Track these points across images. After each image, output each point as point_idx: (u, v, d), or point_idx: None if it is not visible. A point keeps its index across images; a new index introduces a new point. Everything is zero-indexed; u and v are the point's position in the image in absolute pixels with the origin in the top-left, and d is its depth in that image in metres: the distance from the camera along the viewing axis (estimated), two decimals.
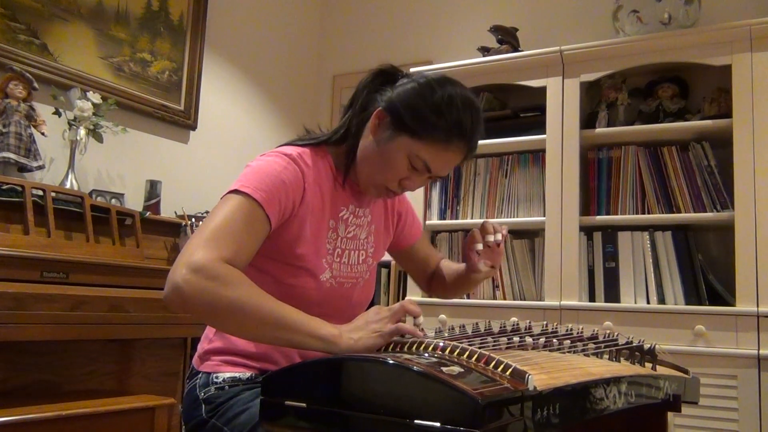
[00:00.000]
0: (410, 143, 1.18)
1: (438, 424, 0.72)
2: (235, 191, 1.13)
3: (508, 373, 0.82)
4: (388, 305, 1.67)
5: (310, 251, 1.23)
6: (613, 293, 2.50)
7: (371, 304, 1.55)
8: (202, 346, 1.31)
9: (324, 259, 1.26)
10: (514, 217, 2.75)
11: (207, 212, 2.80)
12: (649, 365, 1.20)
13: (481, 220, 2.77)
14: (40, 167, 2.30)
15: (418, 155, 1.19)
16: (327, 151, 1.29)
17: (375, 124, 1.22)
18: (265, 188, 1.13)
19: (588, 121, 2.70)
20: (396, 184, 1.24)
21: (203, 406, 1.22)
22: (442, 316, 2.71)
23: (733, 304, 2.26)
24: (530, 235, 2.80)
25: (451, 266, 1.58)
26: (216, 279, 1.00)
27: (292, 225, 1.20)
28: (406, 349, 0.97)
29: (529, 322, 1.28)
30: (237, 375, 1.23)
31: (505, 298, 2.72)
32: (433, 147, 1.18)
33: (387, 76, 1.28)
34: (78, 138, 2.40)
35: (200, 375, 1.26)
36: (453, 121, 1.17)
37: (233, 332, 1.14)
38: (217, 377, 1.23)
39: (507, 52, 2.85)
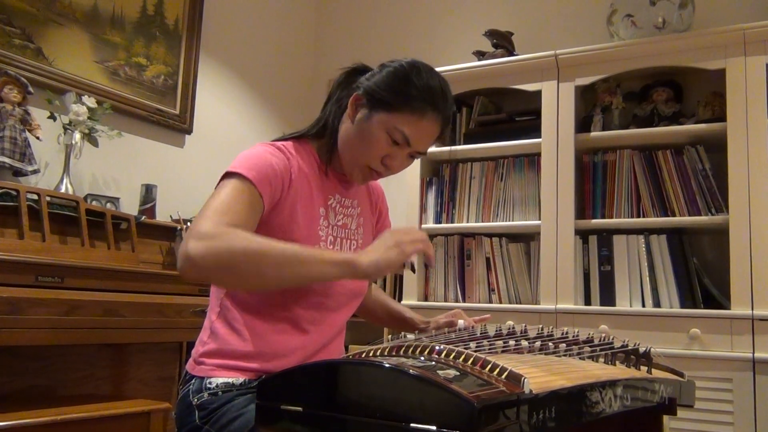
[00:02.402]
0: (388, 117, 1.24)
1: (434, 428, 0.72)
2: (228, 174, 1.19)
3: (503, 376, 0.82)
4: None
5: (302, 236, 1.26)
6: (608, 296, 2.50)
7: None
8: (197, 350, 1.31)
9: (317, 245, 1.29)
10: (509, 220, 2.75)
11: None
12: (644, 368, 1.20)
13: (477, 224, 2.79)
14: (35, 171, 2.30)
15: (397, 127, 1.24)
16: (310, 143, 1.36)
17: (352, 108, 1.29)
18: (255, 169, 1.19)
19: (583, 124, 2.71)
20: (378, 162, 1.28)
21: (196, 412, 1.22)
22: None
23: (728, 308, 2.27)
24: (526, 239, 2.80)
25: (388, 300, 1.60)
26: (221, 237, 1.06)
27: (282, 209, 1.24)
28: (402, 352, 0.97)
29: (525, 326, 1.28)
30: (230, 380, 1.23)
31: (500, 302, 2.72)
32: (409, 117, 1.23)
33: (360, 73, 1.35)
34: (73, 142, 2.40)
35: (193, 381, 1.26)
36: (426, 92, 1.24)
37: (253, 283, 1.14)
38: (210, 383, 1.23)
39: (502, 56, 2.86)
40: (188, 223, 2.66)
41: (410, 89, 1.23)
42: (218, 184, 1.19)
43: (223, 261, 1.05)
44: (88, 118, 2.40)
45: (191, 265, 1.05)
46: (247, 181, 1.17)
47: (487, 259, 2.79)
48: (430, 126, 1.26)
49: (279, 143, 1.29)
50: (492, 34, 2.96)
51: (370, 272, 1.07)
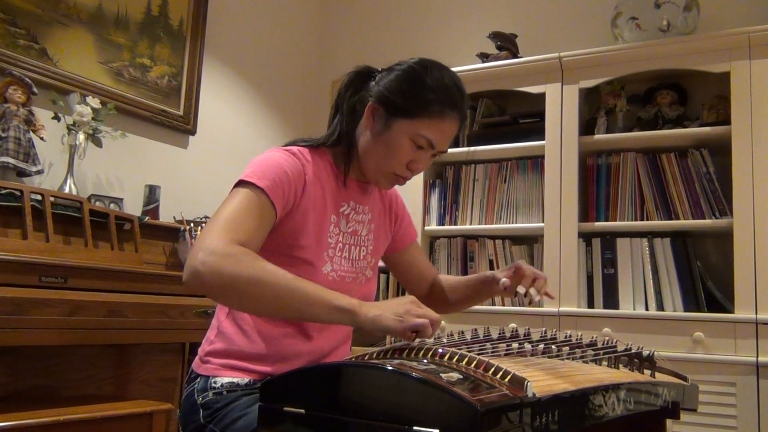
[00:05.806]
0: (409, 125, 1.24)
1: (436, 431, 0.72)
2: (241, 182, 1.19)
3: (507, 379, 0.82)
4: None
5: (312, 243, 1.26)
6: (611, 300, 2.50)
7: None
8: (203, 348, 1.31)
9: (326, 252, 1.29)
10: (513, 223, 2.75)
11: (206, 217, 2.80)
12: (647, 372, 1.20)
13: (480, 226, 2.79)
14: (39, 172, 2.30)
15: (420, 133, 1.24)
16: (325, 151, 1.35)
17: (369, 118, 1.28)
18: (268, 177, 1.18)
19: (587, 127, 2.71)
20: (404, 168, 1.29)
21: (201, 411, 1.22)
22: (441, 323, 2.70)
23: (731, 311, 2.26)
24: (529, 241, 2.80)
25: (450, 279, 1.58)
26: (230, 257, 1.05)
27: (294, 216, 1.24)
28: (404, 355, 0.97)
29: (528, 329, 1.27)
30: (235, 380, 1.24)
31: (503, 304, 2.71)
32: (430, 122, 1.24)
33: (364, 75, 1.34)
34: (77, 143, 2.40)
35: (199, 379, 1.26)
36: (442, 93, 1.24)
37: (252, 309, 1.16)
38: (215, 382, 1.24)
39: (506, 59, 2.86)
40: (191, 224, 2.66)
41: (426, 93, 1.22)
42: (231, 191, 1.19)
43: (228, 283, 1.04)
44: (92, 118, 2.41)
45: (197, 280, 1.05)
46: (260, 190, 1.16)
47: (491, 262, 2.79)
48: (451, 126, 1.27)
49: (294, 148, 1.28)
50: (496, 36, 2.96)
51: (367, 327, 1.05)
